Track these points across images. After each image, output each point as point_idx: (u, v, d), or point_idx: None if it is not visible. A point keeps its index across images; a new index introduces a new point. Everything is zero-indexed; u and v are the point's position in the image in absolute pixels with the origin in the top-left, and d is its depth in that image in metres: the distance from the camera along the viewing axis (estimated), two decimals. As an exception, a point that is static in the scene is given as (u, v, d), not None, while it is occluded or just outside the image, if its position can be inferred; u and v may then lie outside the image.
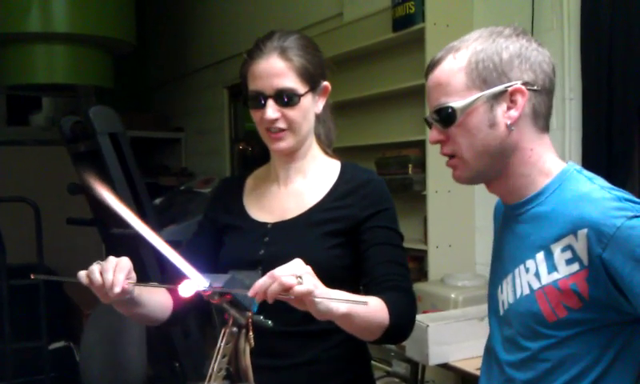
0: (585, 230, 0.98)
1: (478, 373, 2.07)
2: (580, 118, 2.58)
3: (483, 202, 2.91)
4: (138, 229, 1.03)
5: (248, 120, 5.18)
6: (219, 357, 0.98)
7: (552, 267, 1.03)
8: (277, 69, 1.31)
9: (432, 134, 1.11)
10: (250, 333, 1.03)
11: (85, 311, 4.06)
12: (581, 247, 0.99)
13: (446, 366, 2.22)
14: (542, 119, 1.07)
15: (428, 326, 2.16)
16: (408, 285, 1.32)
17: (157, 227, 2.76)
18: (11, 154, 4.93)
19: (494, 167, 1.08)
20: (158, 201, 3.94)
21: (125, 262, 1.15)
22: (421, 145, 2.98)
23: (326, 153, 1.46)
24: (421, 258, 3.05)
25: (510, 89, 1.03)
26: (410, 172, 3.07)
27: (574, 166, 1.09)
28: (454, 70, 1.06)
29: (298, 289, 1.01)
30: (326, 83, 1.40)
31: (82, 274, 1.15)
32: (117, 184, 2.71)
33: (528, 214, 1.10)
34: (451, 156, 1.11)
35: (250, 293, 1.01)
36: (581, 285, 1.00)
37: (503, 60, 1.04)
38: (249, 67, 1.35)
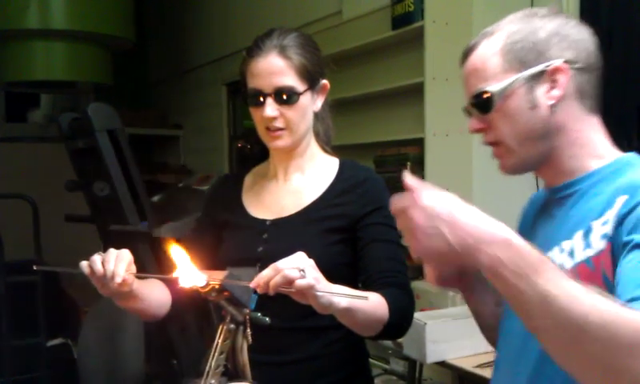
0: (624, 197, 0.89)
1: (475, 370, 2.09)
2: (579, 116, 2.58)
3: (481, 200, 2.91)
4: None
5: (247, 117, 5.16)
6: (217, 354, 0.98)
7: (587, 244, 0.93)
8: (276, 67, 1.31)
9: (472, 123, 1.05)
10: (248, 330, 1.03)
11: (83, 308, 4.06)
12: (613, 214, 0.89)
13: (443, 364, 2.22)
14: (588, 99, 1.01)
15: (426, 323, 2.16)
16: (406, 282, 1.32)
17: (155, 224, 2.76)
18: (9, 150, 4.92)
19: (541, 152, 1.02)
20: (156, 198, 3.94)
21: (126, 254, 1.17)
22: (419, 143, 2.98)
23: (325, 150, 1.47)
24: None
25: (549, 68, 0.98)
26: (408, 170, 3.07)
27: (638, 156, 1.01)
28: (489, 53, 1.02)
29: (300, 282, 1.02)
30: (324, 81, 1.40)
31: (84, 264, 1.16)
32: (115, 181, 2.71)
33: (574, 197, 1.02)
34: (494, 145, 1.05)
35: (252, 284, 1.02)
36: (606, 260, 0.89)
37: (540, 39, 0.99)
38: (248, 65, 1.35)
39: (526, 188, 2.66)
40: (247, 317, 1.01)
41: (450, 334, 2.18)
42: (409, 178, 0.85)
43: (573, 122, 1.00)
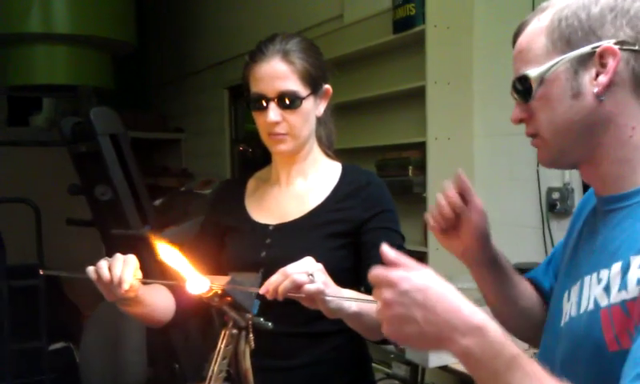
0: None
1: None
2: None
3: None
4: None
5: (248, 121, 5.18)
6: (219, 359, 0.98)
7: (624, 284, 0.80)
8: (279, 72, 1.32)
9: (514, 112, 0.93)
10: (250, 335, 1.03)
11: (85, 312, 4.06)
12: None
13: (445, 369, 2.22)
14: None
15: (428, 328, 2.16)
16: None
17: (157, 229, 2.76)
18: (12, 154, 4.93)
19: (581, 148, 0.88)
20: (158, 202, 3.95)
21: (132, 259, 1.16)
22: (421, 147, 2.98)
23: (327, 155, 1.47)
24: (421, 259, 3.02)
25: (598, 50, 0.83)
26: (410, 174, 3.07)
27: None
28: (535, 33, 0.89)
29: (309, 287, 1.02)
30: (327, 86, 1.41)
31: (90, 269, 1.16)
32: (117, 185, 2.71)
33: (621, 213, 0.87)
34: (534, 136, 0.93)
35: (262, 290, 1.03)
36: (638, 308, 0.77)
37: (592, 15, 0.84)
38: (251, 70, 1.35)
39: (528, 192, 2.67)
40: (250, 322, 1.01)
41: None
42: (389, 251, 0.79)
43: (626, 117, 0.85)
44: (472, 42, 2.98)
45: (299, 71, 1.33)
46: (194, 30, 5.63)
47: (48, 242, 3.81)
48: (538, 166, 2.67)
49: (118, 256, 1.16)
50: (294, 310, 1.29)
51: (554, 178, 2.64)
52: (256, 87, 1.34)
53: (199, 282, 1.01)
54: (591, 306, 0.85)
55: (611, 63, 0.83)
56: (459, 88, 2.91)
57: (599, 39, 0.84)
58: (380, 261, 1.32)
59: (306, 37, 1.41)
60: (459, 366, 2.16)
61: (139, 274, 1.17)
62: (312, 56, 1.36)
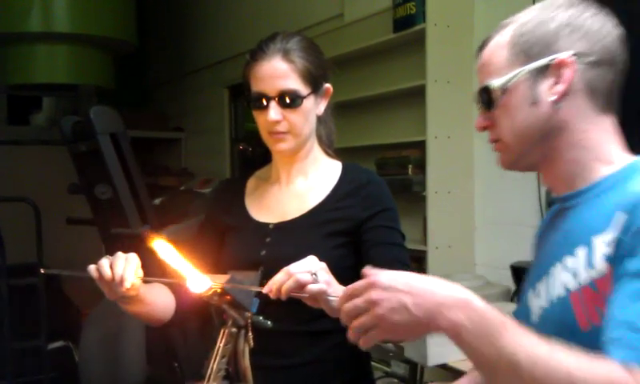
0: (624, 216, 0.82)
1: (477, 374, 2.08)
2: (580, 119, 2.58)
3: (483, 202, 2.91)
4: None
5: (248, 120, 5.17)
6: (218, 357, 0.98)
7: (590, 264, 0.87)
8: (280, 70, 1.32)
9: (478, 120, 1.00)
10: (250, 333, 1.03)
11: (84, 311, 4.06)
12: (613, 234, 0.83)
13: (445, 367, 2.22)
14: (601, 97, 0.94)
15: (427, 326, 2.16)
16: None
17: (157, 227, 2.76)
18: (12, 153, 4.93)
19: (540, 151, 0.95)
20: (158, 201, 3.95)
21: (133, 258, 1.16)
22: (421, 145, 2.98)
23: (328, 154, 1.47)
24: (420, 258, 3.04)
25: (554, 61, 0.91)
26: (409, 173, 3.07)
27: None
28: (497, 46, 0.96)
29: (312, 287, 1.03)
30: (328, 85, 1.41)
31: (92, 267, 1.16)
32: (117, 184, 2.71)
33: (578, 208, 0.95)
34: (496, 141, 1.00)
35: (265, 289, 1.03)
36: (608, 286, 0.83)
37: (549, 30, 0.92)
38: (252, 69, 1.36)
39: (528, 191, 2.67)
40: (249, 320, 1.00)
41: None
42: (366, 268, 0.85)
43: (579, 122, 0.92)
44: (472, 40, 2.98)
45: (300, 70, 1.33)
46: (194, 29, 5.63)
47: (48, 240, 3.81)
48: (537, 165, 2.66)
49: (120, 254, 1.16)
50: (294, 309, 1.29)
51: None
52: (257, 86, 1.34)
53: (200, 281, 1.00)
54: (561, 292, 0.91)
55: (567, 74, 0.90)
56: (459, 87, 2.90)
57: (556, 52, 0.91)
58: (381, 258, 1.32)
59: (307, 35, 1.41)
60: (458, 364, 2.16)
61: (140, 273, 1.17)
62: (312, 55, 1.36)
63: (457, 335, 0.78)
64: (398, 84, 3.19)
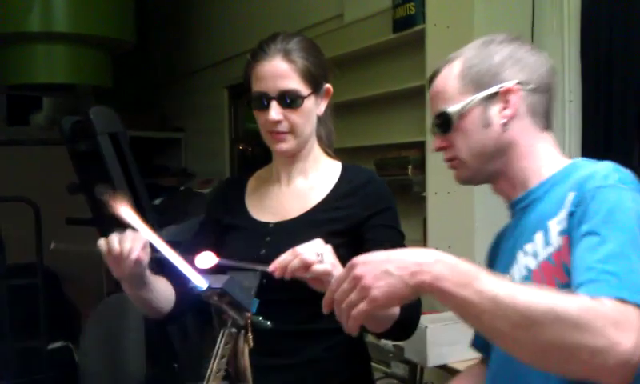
0: (572, 193, 0.97)
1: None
2: (580, 120, 2.59)
3: (483, 203, 2.91)
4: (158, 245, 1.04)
5: (248, 120, 5.18)
6: (218, 357, 0.98)
7: (547, 242, 1.00)
8: (281, 70, 1.32)
9: (434, 142, 1.14)
10: (249, 334, 1.03)
11: (84, 311, 4.06)
12: (565, 211, 0.97)
13: (444, 368, 2.22)
14: (541, 118, 1.10)
15: (427, 327, 2.16)
16: None
17: (156, 228, 2.76)
18: (11, 153, 4.93)
19: (493, 166, 1.10)
20: (157, 201, 3.95)
21: (142, 236, 1.19)
22: (420, 146, 2.98)
23: (328, 154, 1.48)
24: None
25: (502, 89, 1.07)
26: (409, 173, 3.07)
27: (585, 159, 1.10)
28: (449, 77, 1.11)
29: (317, 267, 1.04)
30: (328, 85, 1.41)
31: (101, 242, 1.19)
32: (116, 184, 2.71)
33: (530, 206, 1.08)
34: (452, 160, 1.14)
35: (270, 268, 1.06)
36: (565, 254, 0.95)
37: (495, 63, 1.08)
38: (252, 69, 1.36)
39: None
40: (249, 321, 1.00)
41: (451, 337, 2.18)
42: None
43: (525, 138, 1.08)
44: (472, 41, 2.98)
45: (301, 70, 1.33)
46: (193, 30, 5.63)
47: (48, 240, 3.80)
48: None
49: (129, 231, 1.19)
50: (294, 308, 1.29)
51: (554, 177, 2.63)
52: (257, 86, 1.34)
53: (207, 258, 1.04)
54: (524, 273, 1.04)
55: (513, 99, 1.07)
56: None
57: (502, 81, 1.07)
58: None
59: (306, 36, 1.41)
60: (458, 365, 2.17)
61: (148, 251, 1.19)
62: (313, 55, 1.37)
63: (439, 287, 0.85)
64: (397, 84, 3.19)
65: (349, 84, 3.43)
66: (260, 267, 1.06)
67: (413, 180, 3.04)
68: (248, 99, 1.38)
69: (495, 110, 1.07)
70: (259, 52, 1.35)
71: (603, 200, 0.92)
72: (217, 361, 0.98)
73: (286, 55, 1.32)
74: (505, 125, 1.07)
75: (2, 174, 4.49)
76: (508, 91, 1.07)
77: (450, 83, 1.10)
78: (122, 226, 1.16)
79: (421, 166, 3.02)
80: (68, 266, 4.66)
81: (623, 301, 0.80)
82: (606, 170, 0.97)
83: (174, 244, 1.18)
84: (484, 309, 0.81)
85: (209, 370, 0.97)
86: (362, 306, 0.88)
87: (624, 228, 0.88)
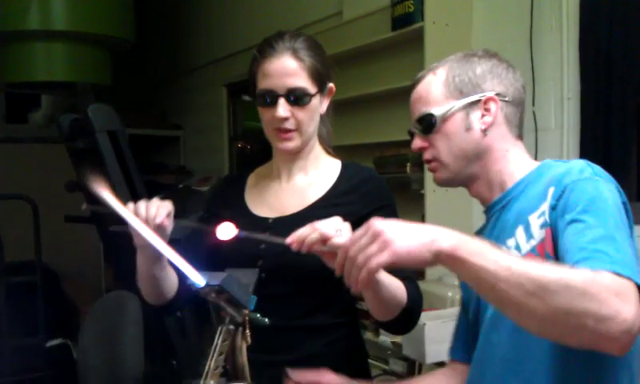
0: (552, 188, 1.05)
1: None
2: (578, 117, 2.59)
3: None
4: (136, 226, 1.05)
5: (247, 118, 5.17)
6: (216, 354, 0.98)
7: (530, 235, 1.07)
8: (289, 68, 1.33)
9: (415, 143, 1.23)
10: (247, 331, 1.03)
11: (82, 308, 4.06)
12: (547, 205, 1.05)
13: (442, 365, 2.22)
14: (514, 127, 1.20)
15: (425, 324, 2.16)
16: (414, 276, 1.33)
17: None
18: (10, 151, 4.93)
19: (471, 169, 1.18)
20: (156, 199, 3.94)
21: (168, 204, 1.22)
22: (419, 144, 2.98)
23: (328, 152, 1.48)
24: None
25: (483, 98, 1.16)
26: (408, 171, 3.07)
27: (554, 160, 1.18)
28: (433, 83, 1.20)
29: (336, 241, 1.04)
30: (331, 85, 1.42)
31: (130, 205, 1.21)
32: (115, 182, 2.71)
33: (507, 206, 1.16)
34: (431, 161, 1.22)
35: (288, 240, 1.08)
36: (548, 245, 1.03)
37: (477, 74, 1.18)
38: (260, 65, 1.36)
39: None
40: (246, 318, 1.01)
41: (449, 334, 2.16)
42: None
43: (501, 144, 1.18)
44: (471, 39, 2.98)
45: (309, 68, 1.34)
46: (192, 27, 5.63)
47: (46, 238, 3.81)
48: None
49: (155, 199, 1.23)
50: (292, 303, 1.30)
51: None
52: (265, 83, 1.34)
53: (227, 229, 1.08)
54: None
55: (494, 108, 1.16)
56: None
57: (483, 91, 1.17)
58: None
59: (306, 34, 1.42)
60: (456, 363, 2.17)
61: (172, 219, 1.22)
62: (319, 55, 1.38)
63: (458, 255, 0.89)
64: (396, 82, 3.19)
65: (347, 81, 3.42)
66: (278, 240, 1.07)
67: (411, 177, 3.04)
68: (253, 96, 1.39)
69: (476, 117, 1.16)
70: (267, 49, 1.35)
71: (582, 191, 1.00)
72: (214, 358, 0.98)
73: (294, 53, 1.33)
74: (484, 131, 1.16)
75: (1, 171, 4.49)
76: (489, 100, 1.16)
77: (435, 88, 1.19)
78: (119, 223, 1.16)
79: (419, 163, 3.01)
80: (67, 264, 4.67)
81: (619, 275, 0.86)
82: (580, 166, 1.06)
83: (172, 241, 1.19)
84: (500, 277, 0.86)
85: (206, 367, 0.97)
86: (383, 256, 0.91)
87: (606, 214, 0.97)
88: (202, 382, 0.97)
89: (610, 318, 0.82)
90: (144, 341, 2.10)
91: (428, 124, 1.18)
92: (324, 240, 1.06)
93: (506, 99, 1.18)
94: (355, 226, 1.34)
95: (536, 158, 1.23)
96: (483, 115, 1.16)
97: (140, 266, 1.31)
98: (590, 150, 2.50)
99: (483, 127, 1.16)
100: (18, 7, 4.29)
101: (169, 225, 1.21)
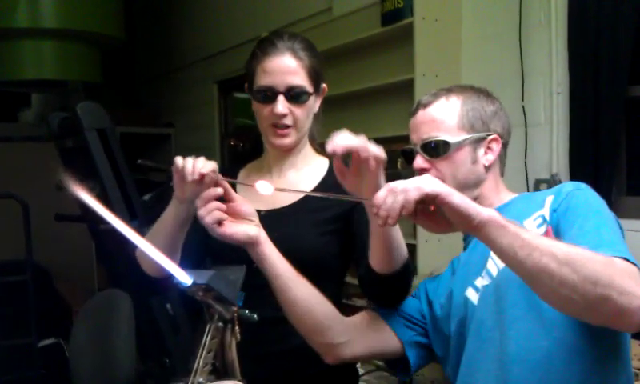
0: (551, 196, 1.17)
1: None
2: (567, 111, 2.60)
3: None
4: (117, 225, 1.05)
5: (238, 115, 5.17)
6: (204, 352, 0.98)
7: None
8: (290, 66, 1.36)
9: (417, 162, 1.29)
10: (237, 327, 1.03)
11: (74, 308, 4.05)
12: (546, 210, 1.16)
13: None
14: (503, 165, 1.31)
15: (417, 319, 2.16)
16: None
17: (145, 223, 2.75)
18: (0, 150, 4.90)
19: (469, 195, 1.20)
20: (147, 197, 3.93)
21: (212, 163, 1.25)
22: (409, 140, 2.99)
23: (317, 150, 1.52)
24: (410, 251, 3.04)
25: (490, 137, 1.26)
26: (398, 167, 3.07)
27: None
28: (449, 111, 1.26)
29: (374, 150, 1.18)
30: (324, 85, 1.46)
31: (179, 158, 1.25)
32: (105, 180, 2.70)
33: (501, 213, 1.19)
34: None
35: (329, 147, 1.16)
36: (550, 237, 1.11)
37: (487, 113, 1.27)
38: (260, 62, 1.38)
39: (516, 183, 2.68)
40: (235, 314, 1.01)
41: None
42: None
43: (492, 178, 1.28)
44: (460, 34, 2.98)
45: (307, 68, 1.38)
46: (182, 24, 5.61)
47: (37, 237, 3.79)
48: (526, 157, 2.69)
49: (202, 157, 1.26)
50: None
51: (542, 169, 2.65)
52: (264, 80, 1.37)
53: (266, 185, 1.12)
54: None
55: (497, 147, 1.27)
56: (447, 81, 2.87)
57: (489, 130, 1.27)
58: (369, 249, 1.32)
59: (295, 30, 1.44)
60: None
61: (214, 178, 1.24)
62: (316, 55, 1.42)
63: (499, 222, 0.96)
64: (386, 78, 3.20)
65: (337, 78, 3.43)
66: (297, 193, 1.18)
67: (402, 173, 3.03)
68: (251, 91, 1.41)
69: (481, 152, 1.26)
70: (269, 46, 1.38)
71: (579, 198, 1.12)
72: (203, 355, 0.98)
73: (295, 52, 1.37)
74: (487, 167, 1.26)
75: (-9, 170, 4.46)
76: (494, 139, 1.26)
77: (450, 117, 1.25)
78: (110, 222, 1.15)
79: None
80: (58, 262, 4.65)
81: (626, 260, 0.96)
82: (574, 183, 1.18)
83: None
84: (535, 246, 0.94)
85: (195, 364, 0.97)
86: (436, 184, 1.00)
87: (601, 216, 1.08)
88: (190, 379, 0.97)
89: (631, 293, 0.90)
90: (136, 339, 2.10)
91: (438, 148, 1.25)
92: (365, 149, 1.18)
93: (504, 140, 1.28)
94: (344, 218, 1.36)
95: (525, 153, 1.30)
96: (486, 152, 1.26)
97: (164, 224, 1.35)
98: (579, 144, 2.52)
99: (487, 164, 1.26)
100: (7, 5, 4.27)
101: (210, 180, 1.23)
